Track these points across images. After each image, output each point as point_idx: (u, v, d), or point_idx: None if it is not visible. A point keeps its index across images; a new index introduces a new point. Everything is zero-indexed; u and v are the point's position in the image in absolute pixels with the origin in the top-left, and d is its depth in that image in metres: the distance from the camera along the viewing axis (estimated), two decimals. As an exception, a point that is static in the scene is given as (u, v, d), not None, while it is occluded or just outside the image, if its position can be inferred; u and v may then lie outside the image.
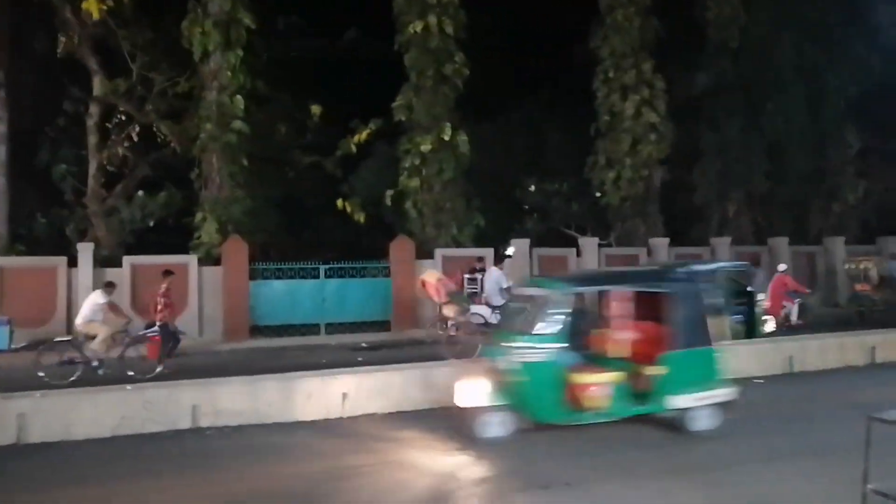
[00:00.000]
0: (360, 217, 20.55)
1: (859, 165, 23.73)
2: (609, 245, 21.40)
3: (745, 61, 22.53)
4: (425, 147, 18.64)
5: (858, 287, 18.09)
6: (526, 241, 19.21)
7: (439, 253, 18.12)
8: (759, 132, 22.41)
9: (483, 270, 15.93)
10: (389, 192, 19.63)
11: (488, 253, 18.24)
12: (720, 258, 20.12)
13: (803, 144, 22.84)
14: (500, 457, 6.51)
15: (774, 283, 15.48)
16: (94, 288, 12.85)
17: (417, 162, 18.99)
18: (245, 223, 17.61)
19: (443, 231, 19.12)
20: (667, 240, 20.27)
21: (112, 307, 11.42)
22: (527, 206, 27.38)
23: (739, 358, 10.47)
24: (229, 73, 17.52)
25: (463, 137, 19.04)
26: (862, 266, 18.29)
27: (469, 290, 15.47)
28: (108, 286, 11.63)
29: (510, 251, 19.17)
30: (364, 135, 20.93)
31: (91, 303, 11.29)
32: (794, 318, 15.31)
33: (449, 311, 13.56)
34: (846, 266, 19.46)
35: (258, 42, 19.00)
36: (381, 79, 20.59)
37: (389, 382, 8.65)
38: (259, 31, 18.43)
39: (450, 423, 7.41)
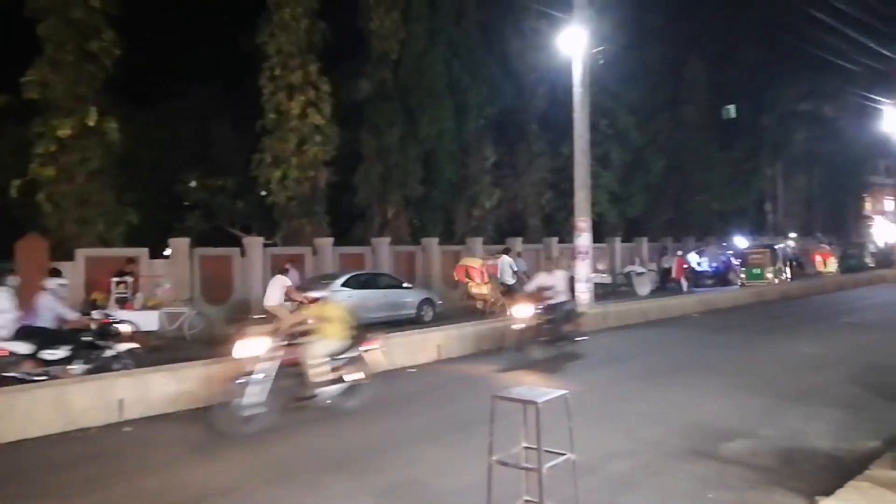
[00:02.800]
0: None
1: (494, 175, 27.17)
2: (275, 244, 21.19)
3: (403, 72, 24.18)
4: (63, 132, 16.30)
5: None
6: (186, 241, 18.01)
7: (81, 254, 15.96)
8: (416, 140, 24.25)
9: (131, 273, 14.54)
10: (16, 182, 16.75)
11: (143, 253, 16.69)
12: (380, 256, 21.34)
13: (452, 154, 25.36)
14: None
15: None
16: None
17: (54, 148, 16.51)
18: None
19: (87, 228, 16.93)
20: (331, 239, 20.80)
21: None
22: (188, 203, 25.76)
23: (396, 350, 11.17)
24: None
25: (112, 124, 17.08)
26: (496, 262, 20.89)
27: (118, 295, 13.97)
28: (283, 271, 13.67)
29: (167, 252, 17.83)
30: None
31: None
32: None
33: (483, 289, 17.76)
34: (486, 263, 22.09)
35: None
36: (9, 45, 17.48)
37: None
38: None
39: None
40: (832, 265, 32.03)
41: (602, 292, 20.11)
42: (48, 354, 8.79)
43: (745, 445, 6.48)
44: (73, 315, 9.85)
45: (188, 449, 6.92)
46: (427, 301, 17.83)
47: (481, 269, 17.90)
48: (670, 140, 33.03)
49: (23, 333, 8.84)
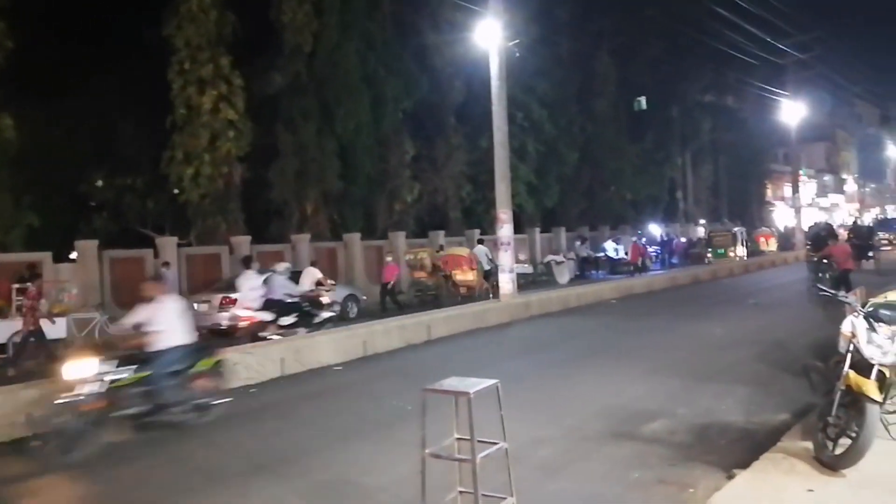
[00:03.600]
0: None
1: (414, 169, 27.13)
2: (189, 244, 20.43)
3: (318, 65, 23.72)
4: (-50, 129, 15.20)
5: (416, 274, 20.74)
6: (93, 243, 17.13)
7: (-24, 259, 14.97)
8: (333, 134, 23.86)
9: (38, 276, 13.74)
10: None
11: (46, 257, 15.76)
12: (301, 254, 20.96)
13: (370, 148, 25.10)
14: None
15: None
16: None
17: (-59, 147, 15.38)
18: None
19: (-19, 232, 15.88)
20: (248, 238, 20.25)
21: None
22: (94, 204, 24.50)
23: (319, 348, 11.02)
24: None
25: (7, 121, 16.07)
26: (419, 256, 20.99)
27: (19, 303, 13.13)
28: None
29: (73, 255, 16.95)
30: None
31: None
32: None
33: (469, 276, 19.38)
34: (407, 257, 22.10)
35: None
36: None
37: None
38: None
39: None
40: (773, 244, 36.27)
41: (524, 282, 20.48)
42: (283, 321, 12.10)
43: (664, 425, 6.74)
44: (298, 290, 13.34)
45: (94, 457, 6.58)
46: (351, 297, 17.66)
47: (469, 258, 19.62)
48: (583, 132, 33.97)
49: (266, 305, 12.20)
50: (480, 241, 21.97)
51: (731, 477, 5.02)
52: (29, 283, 13.16)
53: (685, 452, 5.91)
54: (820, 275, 15.58)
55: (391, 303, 18.42)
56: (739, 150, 46.36)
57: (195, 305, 15.44)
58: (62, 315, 13.51)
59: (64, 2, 21.46)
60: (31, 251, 16.06)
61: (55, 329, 12.97)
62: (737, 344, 11.12)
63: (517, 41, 18.39)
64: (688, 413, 7.10)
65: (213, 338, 12.98)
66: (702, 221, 38.90)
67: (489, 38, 17.21)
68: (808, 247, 18.01)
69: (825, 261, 15.53)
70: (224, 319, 14.75)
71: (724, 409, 7.21)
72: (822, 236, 17.24)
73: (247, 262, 13.58)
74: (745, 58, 34.17)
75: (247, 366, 9.78)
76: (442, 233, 25.47)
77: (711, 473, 5.33)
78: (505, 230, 17.03)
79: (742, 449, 5.86)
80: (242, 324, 12.79)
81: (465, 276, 19.53)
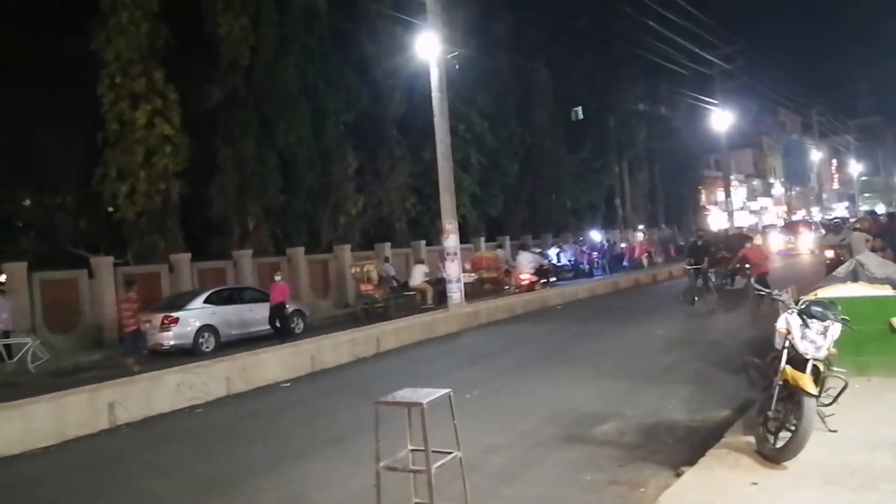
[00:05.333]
0: None
1: (357, 182, 27.00)
2: (127, 263, 19.77)
3: (256, 79, 23.39)
4: None
5: (363, 287, 20.59)
6: (22, 266, 16.38)
7: None
8: (273, 148, 23.53)
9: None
10: None
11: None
12: (243, 270, 20.56)
13: (311, 161, 24.85)
14: None
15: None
16: None
17: None
18: None
19: None
20: (188, 255, 19.76)
21: None
22: (21, 224, 23.47)
23: (266, 366, 10.81)
24: None
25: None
26: (365, 269, 20.84)
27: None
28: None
29: (2, 278, 16.17)
30: None
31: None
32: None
33: (494, 274, 24.25)
34: (352, 270, 21.91)
35: None
36: None
37: None
38: None
39: None
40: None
41: (471, 291, 20.57)
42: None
43: (612, 427, 6.87)
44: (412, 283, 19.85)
45: (38, 493, 6.29)
46: (297, 312, 17.39)
47: (494, 258, 24.82)
48: (523, 143, 34.53)
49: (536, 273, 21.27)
50: (499, 247, 27.56)
51: (678, 475, 5.15)
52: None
53: (634, 453, 6.02)
54: (700, 283, 16.08)
55: (281, 328, 15.78)
56: (674, 158, 47.90)
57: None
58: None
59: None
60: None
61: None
62: (677, 344, 11.42)
63: (456, 53, 18.59)
64: (635, 414, 7.25)
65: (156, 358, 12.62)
66: (640, 227, 39.88)
67: (429, 51, 17.33)
68: (687, 258, 17.72)
69: (739, 265, 15.88)
70: (166, 340, 14.38)
71: (670, 409, 7.39)
72: (699, 246, 17.21)
73: (524, 248, 22.92)
74: (676, 68, 35.35)
75: (191, 385, 9.52)
76: (388, 244, 25.39)
77: (660, 472, 5.45)
78: (451, 240, 17.10)
79: (688, 446, 6.02)
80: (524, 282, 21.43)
81: (490, 273, 24.13)
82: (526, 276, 21.78)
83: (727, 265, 17.08)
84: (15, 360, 13.64)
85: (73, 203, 22.50)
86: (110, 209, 20.50)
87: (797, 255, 30.39)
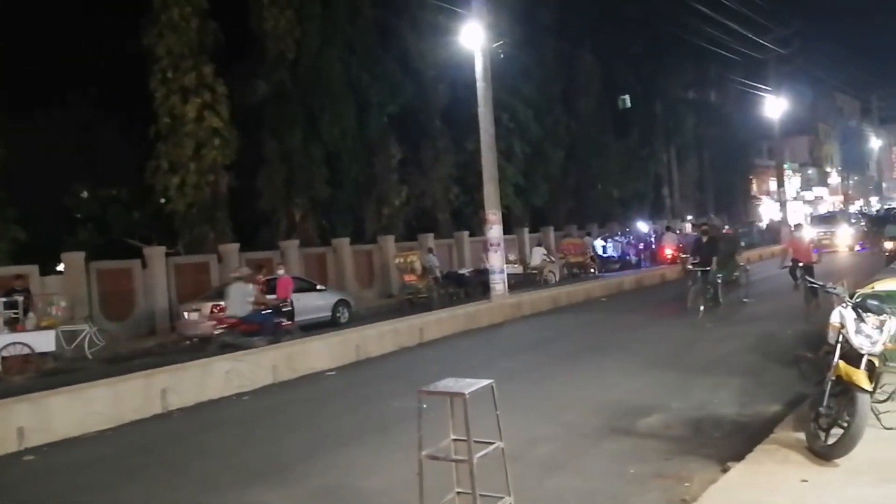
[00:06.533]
0: None
1: (401, 173, 27.14)
2: (178, 254, 20.32)
3: (301, 72, 23.69)
4: (-66, 144, 15.05)
5: (407, 278, 20.73)
6: (80, 255, 17.00)
7: (-38, 275, 14.80)
8: (319, 141, 23.84)
9: (26, 290, 13.69)
10: None
11: (33, 270, 15.63)
12: (290, 260, 20.90)
13: (356, 154, 25.09)
14: None
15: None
16: None
17: (-77, 163, 15.22)
18: None
19: (-34, 248, 15.72)
20: (237, 245, 20.17)
21: None
22: (80, 216, 24.31)
23: (312, 354, 11.00)
24: None
25: (-10, 135, 15.94)
26: (408, 260, 20.96)
27: (7, 316, 13.03)
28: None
29: (60, 268, 16.81)
30: None
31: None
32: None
33: (580, 258, 25.75)
34: (396, 261, 22.06)
35: None
36: None
37: None
38: None
39: None
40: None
41: (514, 282, 20.51)
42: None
43: (658, 419, 6.78)
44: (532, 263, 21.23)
45: (96, 475, 6.53)
46: (342, 302, 17.61)
47: (581, 244, 26.34)
48: (568, 131, 34.11)
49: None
50: (588, 235, 28.57)
51: (725, 470, 5.06)
52: (17, 296, 13.13)
53: (681, 446, 5.94)
54: (708, 290, 13.48)
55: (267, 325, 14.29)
56: (724, 145, 46.70)
57: (185, 314, 15.42)
58: (51, 328, 13.37)
59: (40, 13, 21.29)
60: (18, 264, 15.88)
61: (43, 342, 12.86)
62: (728, 336, 11.19)
63: (501, 42, 18.42)
64: (682, 406, 7.14)
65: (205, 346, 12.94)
66: (689, 217, 39.10)
67: (473, 40, 17.25)
68: (688, 256, 15.05)
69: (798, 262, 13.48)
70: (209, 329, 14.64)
71: (718, 402, 7.25)
72: (705, 243, 14.12)
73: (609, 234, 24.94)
74: (726, 53, 34.44)
75: (238, 373, 9.74)
76: (431, 235, 25.47)
77: (707, 466, 5.36)
78: (494, 231, 17.06)
79: (736, 441, 5.90)
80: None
81: (576, 258, 25.82)
82: (670, 252, 25.45)
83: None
84: (73, 346, 14.15)
85: (127, 196, 23.20)
86: (162, 201, 21.08)
87: (833, 252, 26.97)
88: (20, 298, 13.25)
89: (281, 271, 15.40)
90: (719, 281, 13.70)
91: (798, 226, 16.58)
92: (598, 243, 28.13)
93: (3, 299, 13.08)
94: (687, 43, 34.23)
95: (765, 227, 42.35)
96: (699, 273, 13.42)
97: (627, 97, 36.88)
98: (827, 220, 33.96)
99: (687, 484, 5.06)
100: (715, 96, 48.41)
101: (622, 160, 37.48)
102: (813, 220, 35.00)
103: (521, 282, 22.78)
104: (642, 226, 32.98)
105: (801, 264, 13.36)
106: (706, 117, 44.93)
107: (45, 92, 22.17)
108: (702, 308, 12.97)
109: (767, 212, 52.54)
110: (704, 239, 14.18)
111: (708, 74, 43.20)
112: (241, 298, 12.79)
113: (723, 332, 11.71)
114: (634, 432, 6.45)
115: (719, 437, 6.16)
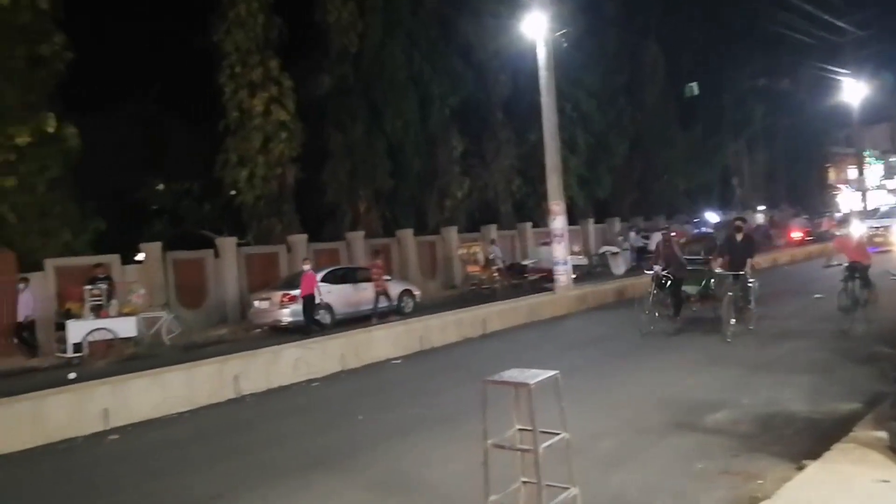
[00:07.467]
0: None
1: (463, 165, 27.20)
2: (247, 244, 20.97)
3: (364, 65, 23.99)
4: (22, 140, 15.88)
5: (470, 269, 20.82)
6: (158, 245, 17.75)
7: (50, 264, 15.63)
8: (382, 133, 24.12)
9: (107, 278, 14.39)
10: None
11: (114, 260, 16.42)
12: (355, 251, 21.26)
13: (418, 146, 25.30)
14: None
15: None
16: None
17: (13, 158, 16.09)
18: None
19: (52, 238, 16.57)
20: (305, 236, 20.65)
21: None
22: (155, 208, 25.37)
23: (377, 344, 11.18)
24: None
25: (72, 129, 16.71)
26: (471, 251, 21.05)
27: (92, 303, 13.72)
28: None
29: (140, 257, 17.58)
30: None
31: None
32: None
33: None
34: (459, 252, 22.18)
35: None
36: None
37: None
38: None
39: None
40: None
41: (579, 274, 20.30)
42: None
43: (725, 416, 6.63)
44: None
45: (173, 456, 6.85)
46: (406, 292, 17.83)
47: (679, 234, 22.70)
48: (632, 122, 33.45)
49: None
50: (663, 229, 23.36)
51: (800, 468, 4.92)
52: (100, 284, 13.79)
53: (749, 443, 5.80)
54: (738, 296, 10.83)
55: (309, 320, 14.74)
56: (797, 134, 44.81)
57: (256, 303, 15.90)
58: (132, 314, 14.04)
59: (112, 12, 22.17)
60: (99, 254, 16.69)
61: (125, 328, 13.52)
62: (794, 332, 10.80)
63: (564, 31, 18.17)
64: (750, 403, 6.96)
65: (274, 334, 13.33)
66: (760, 208, 37.78)
67: (536, 30, 17.10)
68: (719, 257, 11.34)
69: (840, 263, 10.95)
70: (284, 316, 15.05)
71: (787, 399, 7.03)
72: (740, 241, 11.13)
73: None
74: (800, 37, 33.02)
75: (307, 361, 10.02)
76: (494, 227, 25.47)
77: (778, 464, 5.23)
78: (558, 222, 16.93)
79: (809, 439, 5.72)
80: None
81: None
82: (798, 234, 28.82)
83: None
84: (151, 332, 14.80)
85: (198, 189, 24.03)
86: (232, 193, 21.76)
87: (887, 251, 23.24)
88: (103, 286, 13.93)
89: (306, 267, 15.20)
90: (751, 285, 11.06)
91: (845, 220, 14.50)
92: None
93: (89, 287, 13.78)
94: (757, 29, 32.98)
95: (841, 216, 40.46)
96: (731, 277, 10.91)
97: (695, 85, 35.86)
98: (888, 214, 29.41)
99: (759, 481, 4.95)
100: (788, 83, 46.45)
101: (688, 151, 36.52)
102: (869, 215, 30.60)
103: (586, 273, 22.53)
104: (711, 216, 32.10)
105: (853, 265, 10.54)
106: (778, 105, 43.19)
107: (115, 89, 23.14)
108: (733, 321, 10.58)
109: (845, 201, 50.23)
110: (739, 237, 11.24)
111: (780, 61, 41.49)
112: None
113: (775, 331, 11.31)
114: (700, 428, 6.33)
115: (791, 434, 5.97)
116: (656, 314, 11.56)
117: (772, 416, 6.51)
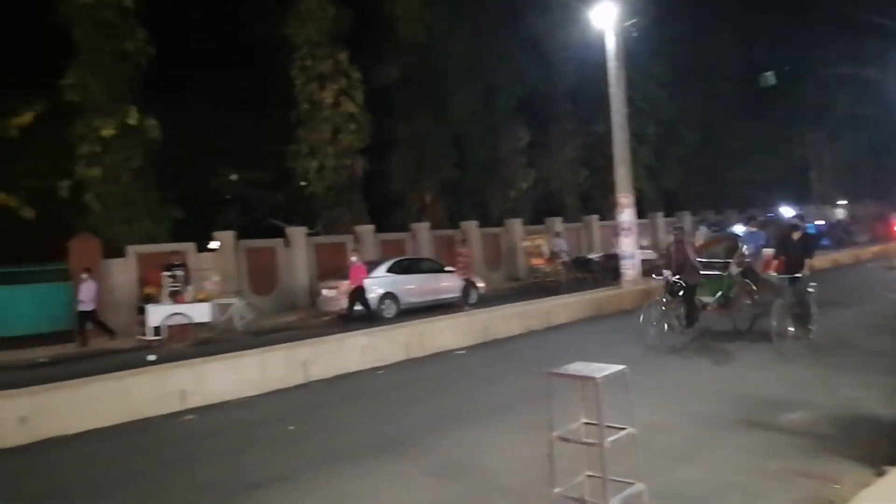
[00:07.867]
0: (30, 213, 17.47)
1: (527, 156, 27.02)
2: (317, 234, 21.46)
3: (430, 56, 24.09)
4: (107, 132, 16.68)
5: (534, 261, 20.70)
6: (231, 234, 18.37)
7: (132, 250, 16.42)
8: (447, 124, 24.18)
9: (183, 265, 15.00)
10: (65, 183, 17.17)
11: (190, 247, 17.10)
12: (421, 242, 21.44)
13: (483, 137, 25.27)
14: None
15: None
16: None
17: (99, 149, 16.93)
18: None
19: (135, 226, 17.38)
20: (372, 226, 20.96)
21: None
22: (228, 197, 26.21)
23: (442, 333, 11.28)
24: None
25: (152, 122, 17.47)
26: (536, 243, 20.92)
27: (170, 289, 14.34)
28: None
29: (215, 245, 18.22)
30: (30, 117, 17.76)
31: None
32: None
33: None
34: (524, 244, 22.08)
35: None
36: (40, 50, 17.82)
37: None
38: None
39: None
40: None
41: (648, 268, 19.88)
42: None
43: (801, 416, 6.40)
44: None
45: (243, 437, 7.10)
46: (470, 284, 17.90)
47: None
48: (704, 112, 32.45)
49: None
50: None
51: (881, 474, 4.72)
52: (177, 270, 14.38)
53: (827, 445, 5.59)
54: (794, 302, 9.90)
55: (366, 310, 14.89)
56: (884, 124, 42.48)
57: (324, 291, 16.26)
58: (206, 300, 14.59)
59: (186, 6, 22.82)
60: (176, 242, 17.40)
61: (200, 313, 14.07)
62: (882, 331, 10.32)
63: (634, 21, 17.77)
64: (828, 404, 6.70)
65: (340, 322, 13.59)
66: (841, 202, 36.12)
67: (605, 19, 16.80)
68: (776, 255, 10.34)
69: None
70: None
71: (871, 402, 6.74)
72: (796, 241, 10.05)
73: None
74: (887, 21, 31.23)
75: (374, 348, 10.21)
76: (559, 219, 25.23)
77: (858, 469, 5.03)
78: (626, 215, 16.65)
79: (890, 445, 5.48)
80: None
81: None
82: None
83: None
84: (224, 317, 15.35)
85: (269, 179, 24.68)
86: (302, 183, 22.27)
87: None
88: (180, 273, 14.53)
89: (354, 258, 15.28)
90: (810, 291, 10.01)
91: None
92: (739, 228, 26.60)
93: (167, 273, 14.40)
94: (839, 14, 31.42)
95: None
96: (787, 281, 9.89)
97: (772, 73, 34.44)
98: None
99: (837, 486, 4.78)
100: (872, 71, 44.03)
101: (762, 142, 35.19)
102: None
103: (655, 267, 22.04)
104: (786, 211, 30.91)
105: None
106: (862, 94, 41.05)
107: (190, 82, 23.90)
108: (791, 329, 9.68)
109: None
110: (795, 235, 10.06)
111: (865, 48, 39.35)
112: None
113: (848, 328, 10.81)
114: (773, 427, 6.14)
115: (874, 439, 5.72)
116: (665, 326, 10.13)
117: (853, 418, 6.25)
